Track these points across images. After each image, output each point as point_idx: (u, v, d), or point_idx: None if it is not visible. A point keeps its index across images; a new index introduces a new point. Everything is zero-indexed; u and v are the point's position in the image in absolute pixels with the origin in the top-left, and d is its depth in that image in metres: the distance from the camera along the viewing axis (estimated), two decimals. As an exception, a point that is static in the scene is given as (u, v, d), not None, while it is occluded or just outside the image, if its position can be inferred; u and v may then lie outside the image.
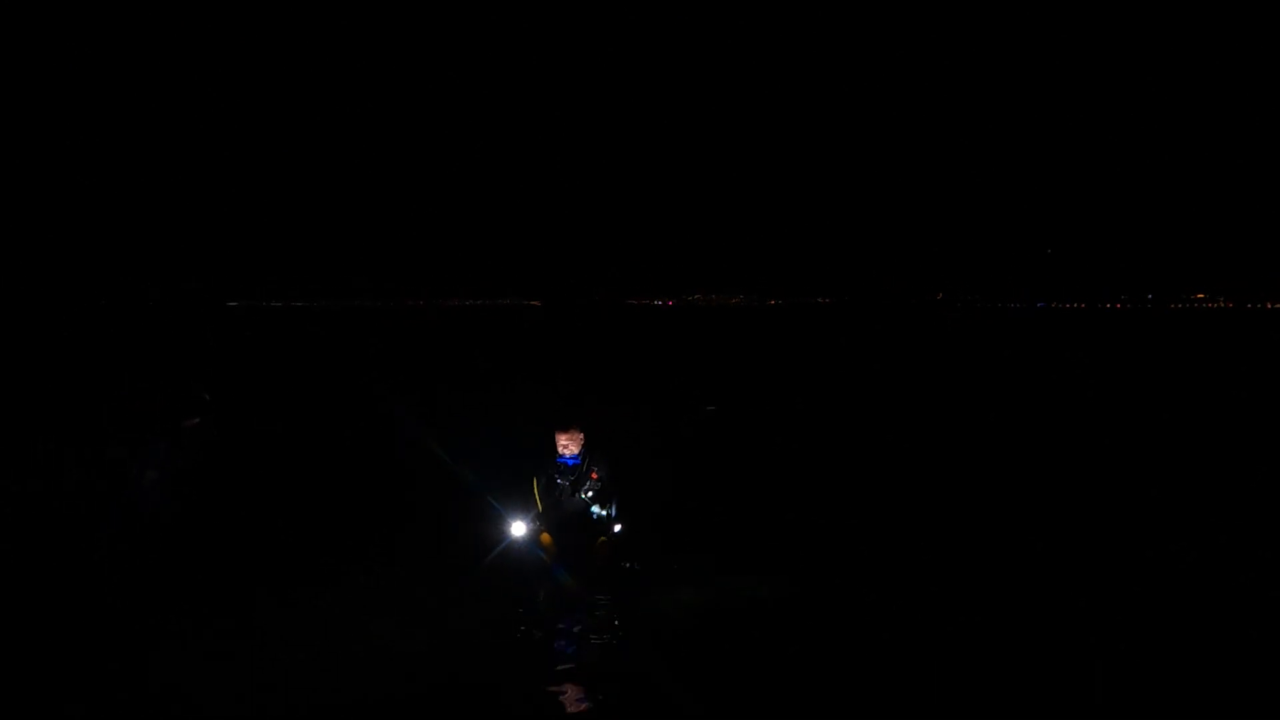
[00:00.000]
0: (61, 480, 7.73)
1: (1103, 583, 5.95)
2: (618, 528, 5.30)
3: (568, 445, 5.30)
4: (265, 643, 4.78)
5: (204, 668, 4.45)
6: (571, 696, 4.27)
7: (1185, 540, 7.00)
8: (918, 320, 75.80)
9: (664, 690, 4.36)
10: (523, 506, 5.37)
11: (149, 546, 5.88)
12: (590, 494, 5.29)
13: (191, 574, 5.70)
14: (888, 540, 6.97)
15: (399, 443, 10.83)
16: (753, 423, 13.70)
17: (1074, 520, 7.62)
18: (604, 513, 5.29)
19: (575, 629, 4.85)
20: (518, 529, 5.21)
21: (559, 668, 4.52)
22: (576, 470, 5.33)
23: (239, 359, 25.16)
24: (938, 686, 4.43)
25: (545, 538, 5.20)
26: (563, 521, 5.29)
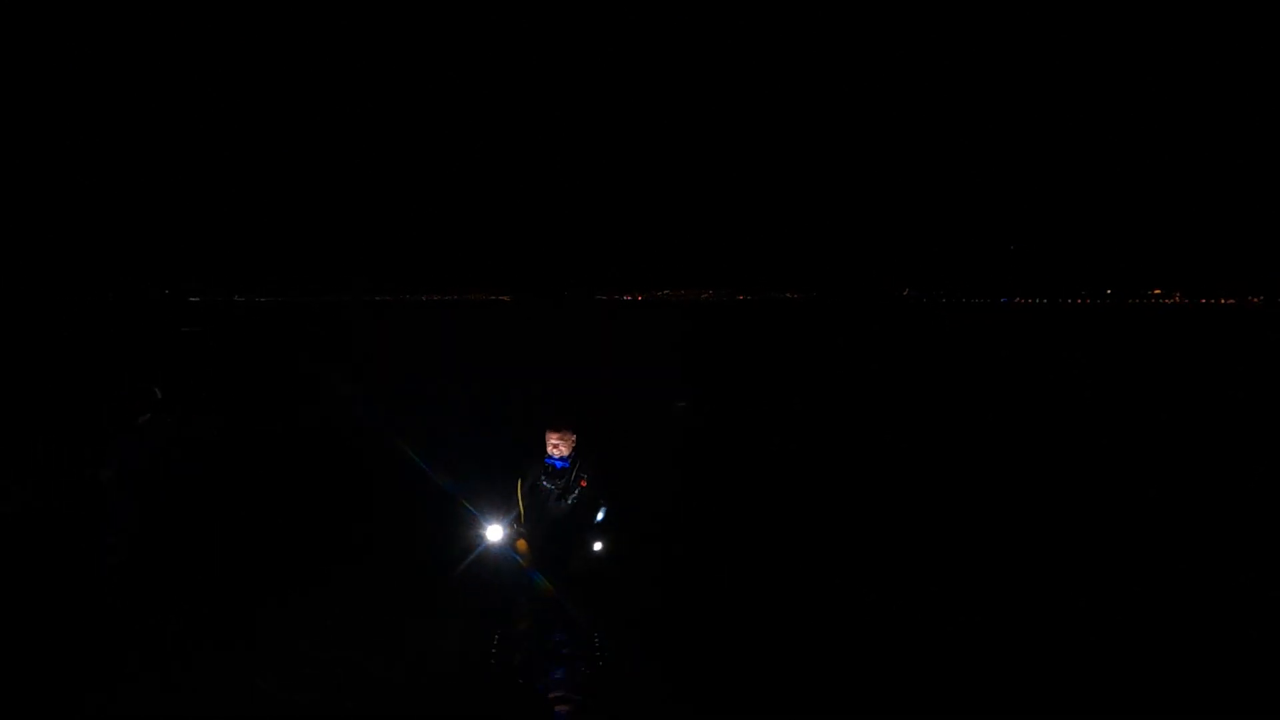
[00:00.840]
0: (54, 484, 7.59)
1: (1075, 579, 6.04)
2: (597, 546, 4.87)
3: (558, 445, 4.92)
4: (221, 667, 4.56)
5: (157, 697, 4.24)
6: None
7: (1148, 536, 7.13)
8: (884, 315, 76.59)
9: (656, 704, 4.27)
10: (501, 508, 4.99)
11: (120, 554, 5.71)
12: (575, 501, 4.90)
13: (149, 587, 5.49)
14: (865, 539, 7.01)
15: (368, 442, 10.51)
16: (723, 418, 13.70)
17: (1042, 517, 7.73)
18: (598, 517, 4.94)
19: (557, 671, 4.52)
20: (493, 533, 4.85)
21: (549, 694, 4.31)
22: (565, 474, 4.92)
23: (212, 357, 24.48)
24: (933, 685, 4.45)
25: (521, 544, 4.88)
26: (544, 527, 4.91)
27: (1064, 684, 4.44)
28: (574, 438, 5.01)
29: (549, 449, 4.95)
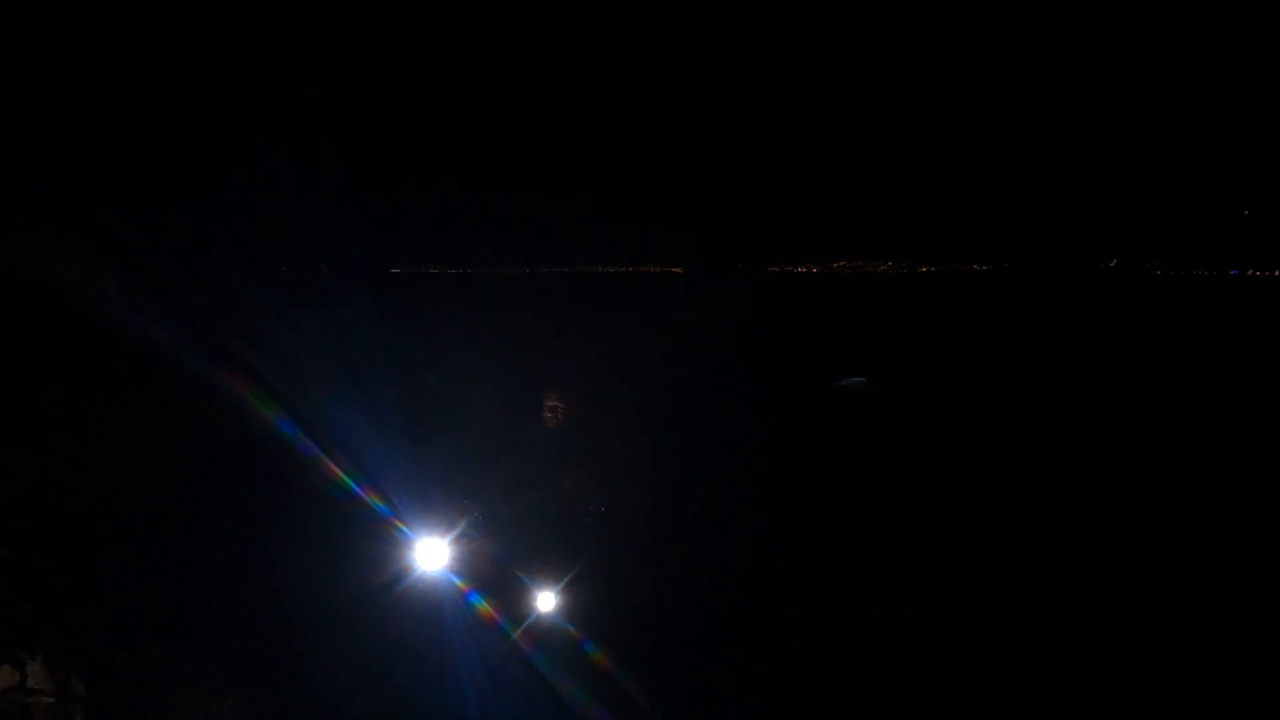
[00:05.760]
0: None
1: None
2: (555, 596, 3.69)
3: (552, 413, 4.09)
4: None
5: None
6: None
7: None
8: (1088, 290, 70.00)
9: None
10: (443, 523, 3.90)
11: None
12: (569, 484, 3.97)
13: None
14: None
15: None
16: (903, 397, 13.23)
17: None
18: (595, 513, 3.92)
19: None
20: (430, 557, 3.78)
21: None
22: (554, 448, 3.99)
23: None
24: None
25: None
26: (520, 517, 3.93)
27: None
28: (566, 407, 4.11)
29: (545, 413, 4.13)
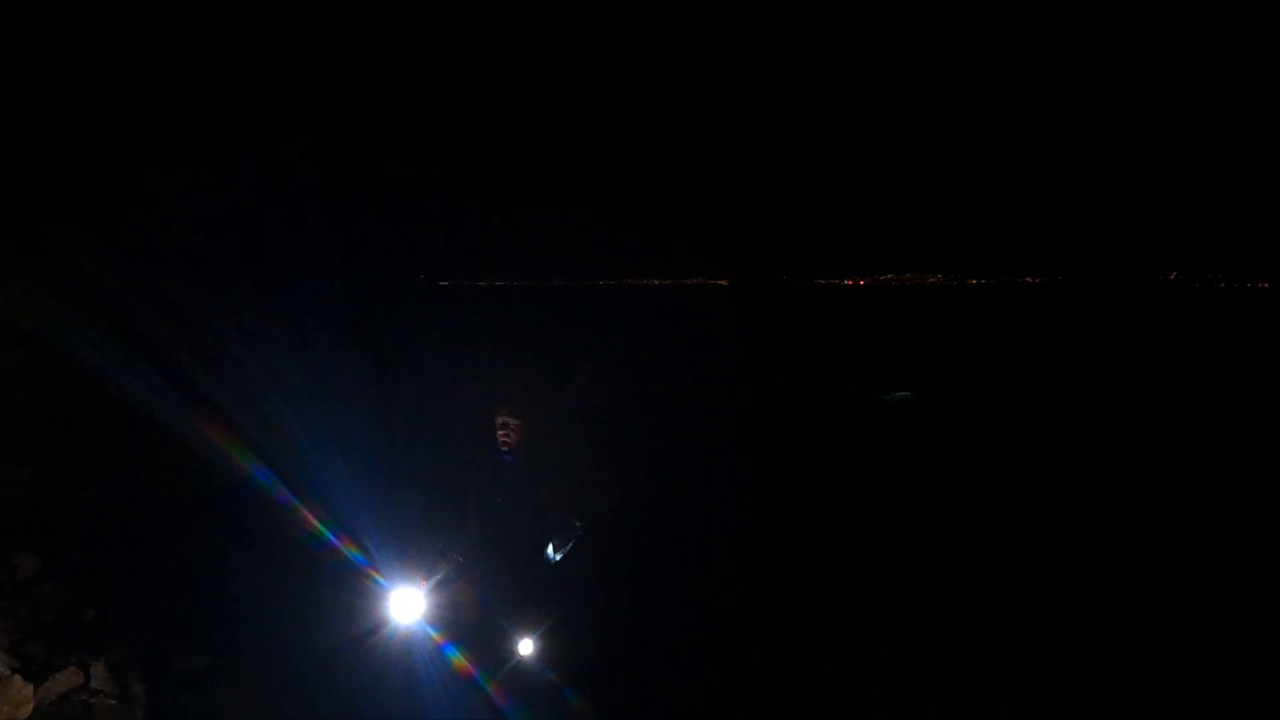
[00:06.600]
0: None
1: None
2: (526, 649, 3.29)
3: (505, 432, 3.41)
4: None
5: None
6: None
7: None
8: (1146, 303, 67.93)
9: None
10: (417, 568, 3.46)
11: None
12: (532, 520, 3.37)
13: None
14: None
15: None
16: (951, 414, 12.99)
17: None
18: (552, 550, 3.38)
19: None
20: (404, 608, 3.35)
21: None
22: (515, 478, 3.38)
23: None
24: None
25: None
26: (493, 564, 3.39)
27: None
28: (523, 424, 3.42)
29: (497, 434, 3.47)
